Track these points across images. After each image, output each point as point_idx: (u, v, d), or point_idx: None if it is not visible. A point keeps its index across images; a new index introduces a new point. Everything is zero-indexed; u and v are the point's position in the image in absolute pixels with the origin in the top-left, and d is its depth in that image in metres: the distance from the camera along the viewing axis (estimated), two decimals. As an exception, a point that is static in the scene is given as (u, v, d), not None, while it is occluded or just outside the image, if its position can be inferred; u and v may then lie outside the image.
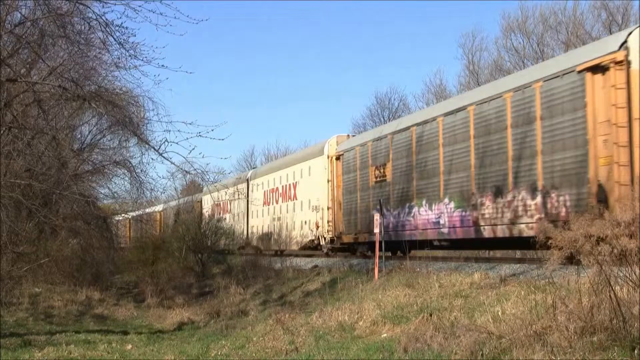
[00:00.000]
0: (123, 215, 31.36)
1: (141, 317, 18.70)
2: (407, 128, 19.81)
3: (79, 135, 27.76)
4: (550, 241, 7.66)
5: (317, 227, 26.11)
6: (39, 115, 15.93)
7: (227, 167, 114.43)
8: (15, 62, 15.52)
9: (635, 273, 7.22)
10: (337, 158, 24.94)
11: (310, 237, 26.80)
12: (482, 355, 7.79)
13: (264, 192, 33.54)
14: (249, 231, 35.51)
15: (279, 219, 31.09)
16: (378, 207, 18.78)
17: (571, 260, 7.84)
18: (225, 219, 37.22)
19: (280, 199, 31.29)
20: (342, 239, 24.22)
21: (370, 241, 20.26)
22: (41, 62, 15.91)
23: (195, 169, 14.12)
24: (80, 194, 18.72)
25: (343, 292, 15.56)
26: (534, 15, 40.99)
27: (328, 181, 25.45)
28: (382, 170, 21.14)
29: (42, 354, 12.23)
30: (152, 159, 21.93)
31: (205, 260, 27.02)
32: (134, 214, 34.24)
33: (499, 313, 9.39)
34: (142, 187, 21.72)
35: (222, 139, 13.88)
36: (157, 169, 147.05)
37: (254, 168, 39.65)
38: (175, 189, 32.58)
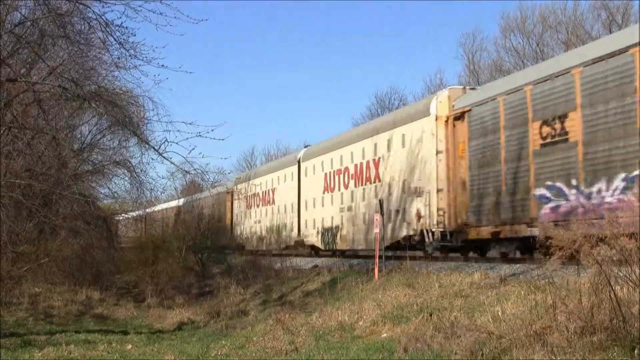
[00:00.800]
0: (136, 212, 30.53)
1: (141, 317, 18.70)
2: (624, 50, 12.43)
3: (79, 135, 27.84)
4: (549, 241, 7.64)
5: (419, 217, 19.19)
6: (39, 115, 15.94)
7: (227, 167, 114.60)
8: (15, 62, 15.56)
9: (635, 273, 7.22)
10: (458, 118, 17.95)
11: (406, 232, 20.03)
12: (482, 355, 7.80)
13: (325, 174, 26.54)
14: (301, 226, 28.90)
15: (349, 209, 24.27)
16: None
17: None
18: (267, 212, 32.90)
19: (351, 182, 24.27)
20: (466, 234, 17.34)
21: (528, 236, 14.79)
22: (41, 62, 15.93)
23: (195, 169, 14.13)
24: (80, 194, 18.72)
25: (343, 292, 15.56)
26: (534, 15, 41.08)
27: (438, 152, 18.48)
28: (558, 126, 14.29)
29: (42, 353, 12.25)
30: (152, 159, 21.99)
31: (205, 260, 26.99)
32: (150, 210, 32.60)
33: (499, 313, 9.39)
34: (142, 187, 21.83)
35: (222, 139, 13.84)
36: (157, 169, 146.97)
37: (306, 146, 32.38)
38: (176, 189, 31.95)
